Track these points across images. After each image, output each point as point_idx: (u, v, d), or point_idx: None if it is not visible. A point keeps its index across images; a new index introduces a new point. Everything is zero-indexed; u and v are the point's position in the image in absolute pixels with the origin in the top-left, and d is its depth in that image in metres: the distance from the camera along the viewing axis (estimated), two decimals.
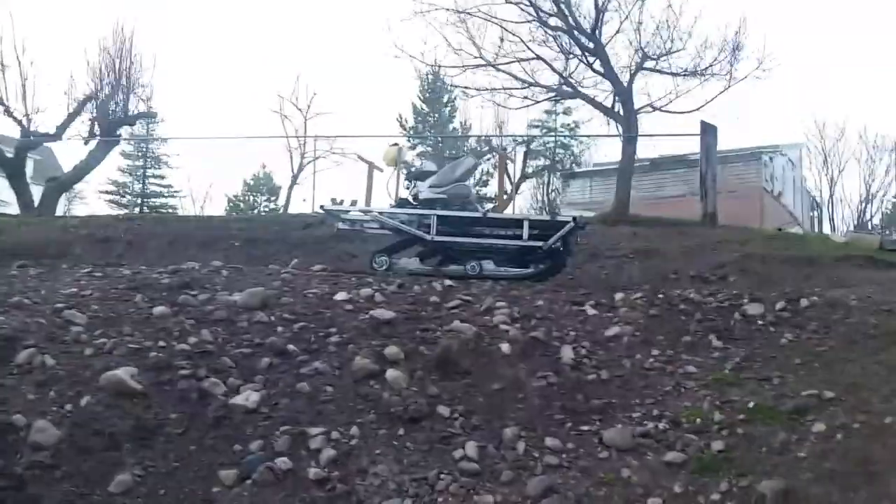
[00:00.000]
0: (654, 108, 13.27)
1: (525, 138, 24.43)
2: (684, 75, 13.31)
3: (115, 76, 16.84)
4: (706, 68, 13.22)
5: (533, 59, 13.48)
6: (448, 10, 13.09)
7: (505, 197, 15.16)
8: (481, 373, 4.43)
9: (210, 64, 58.01)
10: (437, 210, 6.85)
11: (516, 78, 14.45)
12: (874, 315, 5.36)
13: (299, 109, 29.74)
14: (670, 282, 7.80)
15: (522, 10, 13.08)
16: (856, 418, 3.80)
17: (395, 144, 7.71)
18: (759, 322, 5.30)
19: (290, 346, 4.54)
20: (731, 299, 5.83)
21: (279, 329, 4.79)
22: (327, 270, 6.75)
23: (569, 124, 26.09)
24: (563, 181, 21.80)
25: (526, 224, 6.71)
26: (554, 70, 13.56)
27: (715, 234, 10.99)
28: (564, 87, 13.92)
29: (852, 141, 35.42)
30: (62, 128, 16.11)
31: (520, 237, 6.67)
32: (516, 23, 13.07)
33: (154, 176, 35.07)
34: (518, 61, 13.57)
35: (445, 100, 32.43)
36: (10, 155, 15.93)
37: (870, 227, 30.88)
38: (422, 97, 32.90)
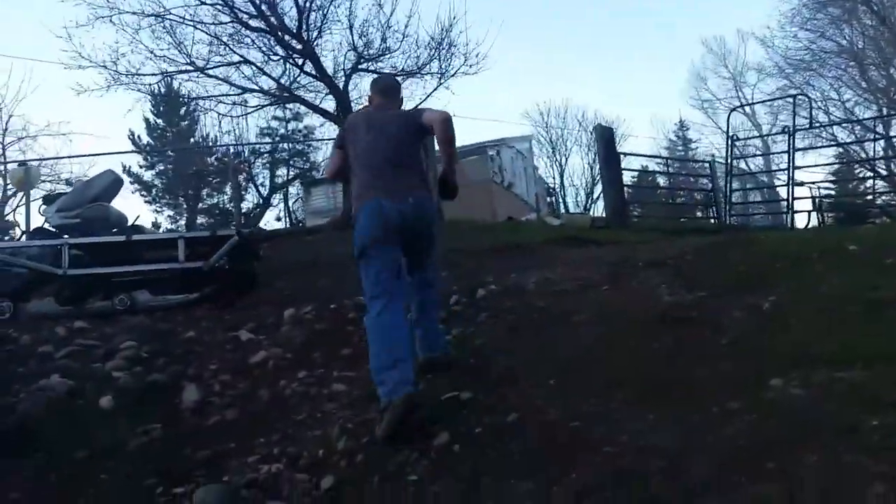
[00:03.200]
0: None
1: (261, 147, 23.21)
2: (401, 75, 13.18)
3: None
4: (421, 67, 13.23)
5: (241, 62, 12.45)
6: (135, 13, 11.53)
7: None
8: (67, 441, 3.42)
9: None
10: (67, 238, 5.60)
11: (233, 84, 13.35)
12: (544, 297, 5.28)
13: None
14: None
15: (219, 10, 11.99)
16: (507, 419, 3.44)
17: (23, 164, 6.31)
18: None
19: None
20: None
21: None
22: None
23: (301, 130, 25.40)
24: (305, 189, 20.97)
25: (181, 243, 5.71)
26: (266, 74, 12.65)
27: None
28: (283, 93, 13.07)
29: (573, 127, 39.17)
30: None
31: (176, 259, 5.67)
32: (218, 24, 11.94)
33: None
34: (228, 65, 12.46)
35: (183, 112, 29.89)
36: None
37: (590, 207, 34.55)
38: (155, 111, 29.96)
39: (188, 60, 12.08)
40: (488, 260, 8.02)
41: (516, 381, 3.58)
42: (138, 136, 29.84)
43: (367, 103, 4.35)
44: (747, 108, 28.23)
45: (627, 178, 14.47)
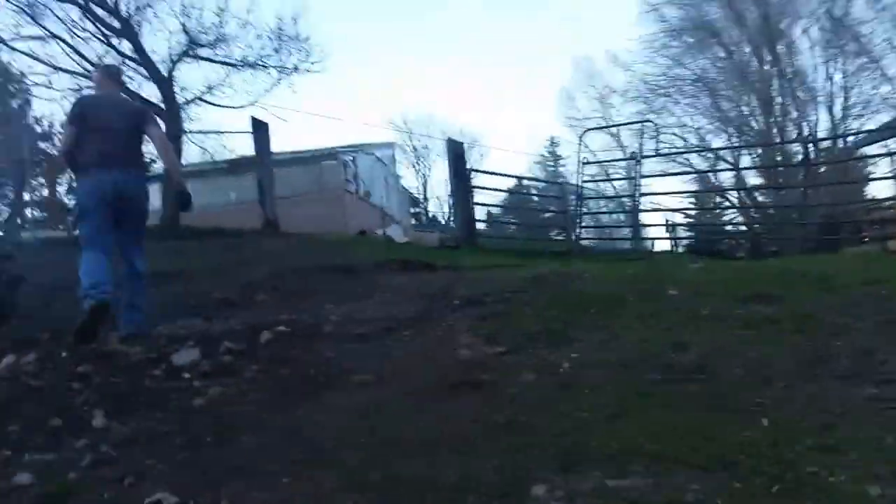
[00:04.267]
0: (204, 101, 11.86)
1: None
2: (239, 66, 12.13)
3: None
4: (262, 59, 12.23)
5: (48, 37, 10.88)
6: None
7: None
8: None
9: None
10: None
11: (40, 61, 11.72)
12: (335, 345, 4.58)
13: None
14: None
15: None
16: None
17: None
18: (186, 375, 4.06)
19: None
20: (178, 343, 4.55)
21: None
22: None
23: None
24: None
25: None
26: (79, 53, 11.15)
27: (272, 244, 9.97)
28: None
29: (437, 136, 39.11)
30: None
31: None
32: None
33: None
34: (34, 39, 10.85)
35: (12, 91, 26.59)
36: None
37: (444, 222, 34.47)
38: None
39: None
40: (302, 286, 7.25)
41: (248, 474, 2.82)
42: None
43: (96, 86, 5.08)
44: (613, 130, 29.18)
45: (487, 196, 14.21)
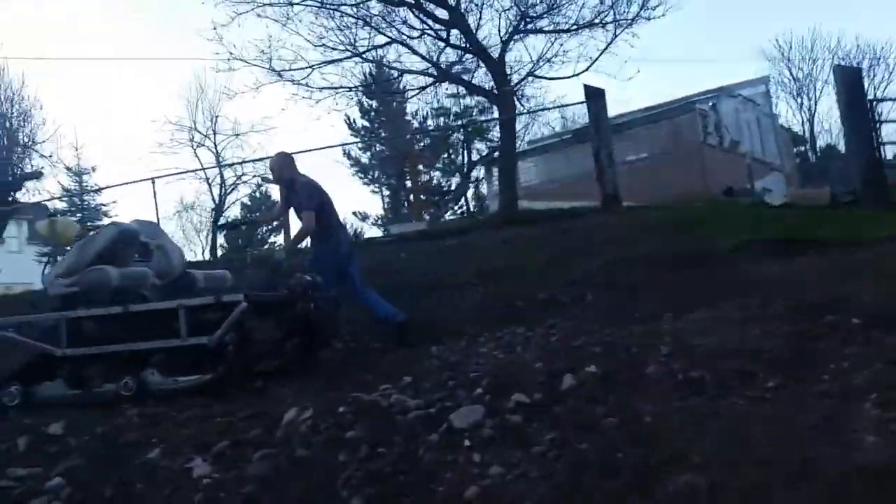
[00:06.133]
0: (536, 76, 11.13)
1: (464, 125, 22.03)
2: (573, 30, 11.08)
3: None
4: (599, 15, 10.98)
5: (387, 43, 11.40)
6: (276, 4, 11.01)
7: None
8: None
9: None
10: (65, 311, 4.73)
11: (390, 67, 12.54)
12: (657, 397, 3.26)
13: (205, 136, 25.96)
14: (467, 336, 5.79)
15: None
16: None
17: (52, 214, 5.73)
18: (466, 443, 3.22)
19: None
20: (466, 389, 3.77)
21: None
22: None
23: (472, 107, 23.50)
24: (487, 171, 19.38)
25: (182, 314, 4.45)
26: (415, 52, 11.44)
27: (609, 225, 8.75)
28: (437, 72, 11.74)
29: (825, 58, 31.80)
30: None
31: (178, 334, 4.47)
32: (353, 4, 10.94)
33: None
34: (374, 48, 11.50)
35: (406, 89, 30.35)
36: None
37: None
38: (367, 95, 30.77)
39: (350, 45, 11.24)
40: (636, 281, 6.00)
41: None
42: (353, 121, 30.88)
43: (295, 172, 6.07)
44: None
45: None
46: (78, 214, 29.33)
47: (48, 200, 21.36)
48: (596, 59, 10.72)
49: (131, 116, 55.98)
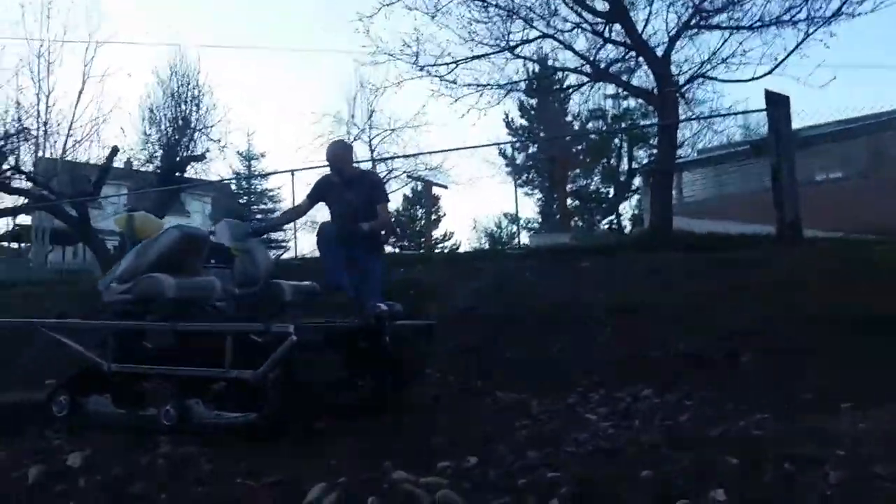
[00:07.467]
0: (706, 77, 9.55)
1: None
2: (756, 26, 9.41)
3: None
4: (789, 11, 9.21)
5: (540, 37, 10.38)
6: None
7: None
8: None
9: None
10: (114, 321, 4.28)
11: (537, 62, 11.60)
12: None
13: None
14: (579, 391, 4.70)
15: None
16: None
17: (132, 210, 5.32)
18: None
19: None
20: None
21: None
22: None
23: (633, 109, 21.23)
24: (646, 182, 17.44)
25: (229, 342, 3.75)
26: (569, 48, 10.30)
27: (784, 262, 7.06)
28: (593, 70, 10.52)
29: None
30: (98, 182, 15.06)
31: (222, 363, 3.76)
32: None
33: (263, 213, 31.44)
34: (524, 43, 10.53)
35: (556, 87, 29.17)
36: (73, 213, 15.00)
37: None
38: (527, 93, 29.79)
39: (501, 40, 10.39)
40: (802, 346, 4.62)
41: None
42: (512, 119, 30.04)
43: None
44: None
45: None
46: (244, 198, 31.13)
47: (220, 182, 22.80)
48: (782, 61, 8.94)
49: (298, 107, 59.23)
